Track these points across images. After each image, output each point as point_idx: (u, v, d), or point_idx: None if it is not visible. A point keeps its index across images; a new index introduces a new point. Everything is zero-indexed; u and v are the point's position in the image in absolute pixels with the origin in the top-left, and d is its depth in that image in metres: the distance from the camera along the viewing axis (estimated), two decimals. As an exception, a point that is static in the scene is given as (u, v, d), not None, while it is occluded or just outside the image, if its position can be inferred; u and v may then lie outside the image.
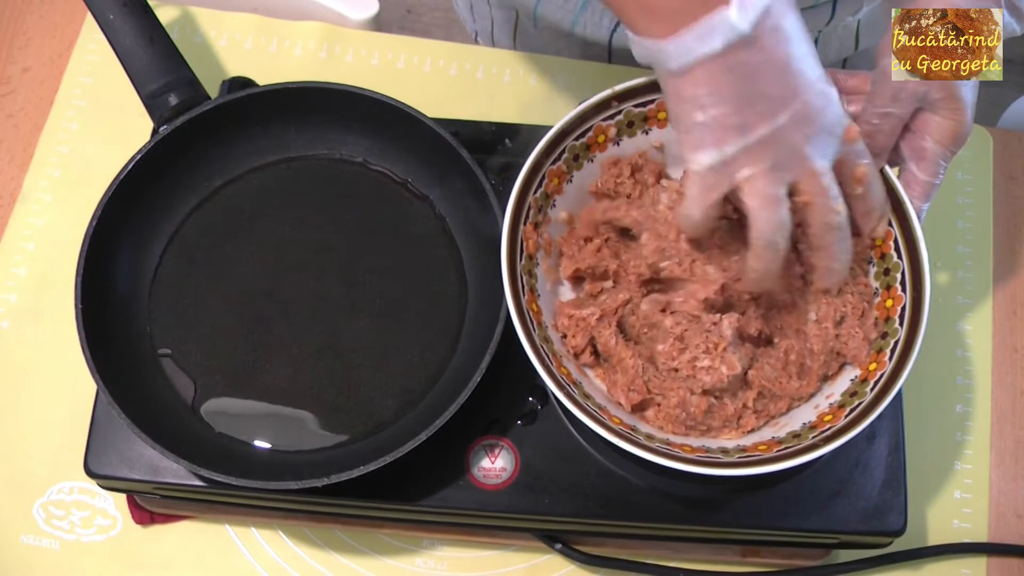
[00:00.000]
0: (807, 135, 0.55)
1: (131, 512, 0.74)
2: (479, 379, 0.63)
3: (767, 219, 0.57)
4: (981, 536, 0.75)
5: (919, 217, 0.64)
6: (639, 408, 0.65)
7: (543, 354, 0.61)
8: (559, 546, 0.71)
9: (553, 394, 0.59)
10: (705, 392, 0.63)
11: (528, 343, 0.61)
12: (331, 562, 0.74)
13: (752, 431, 0.64)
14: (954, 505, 0.75)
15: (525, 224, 0.65)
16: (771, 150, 0.55)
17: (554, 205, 0.68)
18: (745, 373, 0.64)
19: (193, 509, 0.74)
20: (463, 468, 0.66)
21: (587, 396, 0.62)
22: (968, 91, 0.61)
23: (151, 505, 0.74)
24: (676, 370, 0.63)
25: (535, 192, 0.66)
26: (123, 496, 0.74)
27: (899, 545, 0.68)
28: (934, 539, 0.74)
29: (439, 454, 0.65)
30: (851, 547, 0.68)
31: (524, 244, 0.65)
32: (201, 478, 0.65)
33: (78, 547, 0.74)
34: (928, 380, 0.78)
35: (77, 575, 0.73)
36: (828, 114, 0.56)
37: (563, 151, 0.67)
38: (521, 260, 0.64)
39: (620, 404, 0.64)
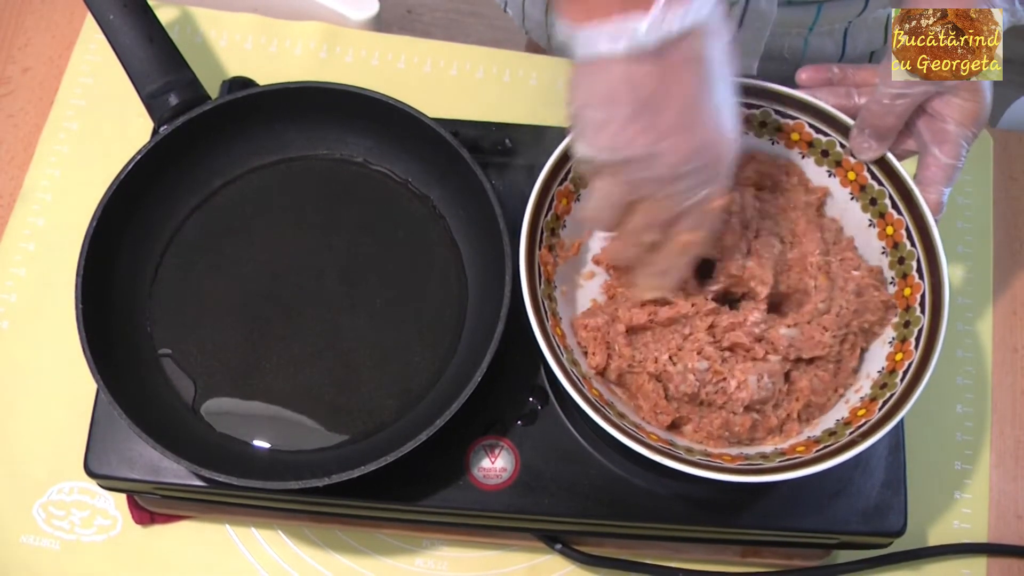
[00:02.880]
0: (676, 172, 0.54)
1: (131, 512, 0.74)
2: (479, 379, 0.63)
3: (592, 209, 0.59)
4: (981, 536, 0.75)
5: (942, 201, 0.63)
6: (673, 427, 0.64)
7: (575, 379, 0.61)
8: (559, 546, 0.71)
9: (591, 418, 0.59)
10: (747, 409, 0.62)
11: (560, 372, 0.60)
12: (331, 562, 0.74)
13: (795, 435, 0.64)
14: (954, 505, 0.75)
15: (540, 249, 0.65)
16: (635, 169, 0.54)
17: (564, 225, 0.67)
18: (787, 376, 0.63)
19: (193, 509, 0.74)
20: (463, 468, 0.66)
21: (621, 415, 0.62)
22: None
23: (151, 505, 0.74)
24: (708, 403, 0.63)
25: (546, 215, 0.65)
26: (123, 496, 0.74)
27: (899, 545, 0.68)
28: (934, 539, 0.74)
29: (439, 454, 0.65)
30: (851, 547, 0.68)
31: (542, 270, 0.65)
32: (201, 478, 0.65)
33: (78, 547, 0.74)
34: (928, 380, 0.78)
35: (77, 575, 0.73)
36: (708, 168, 0.55)
37: (569, 171, 0.66)
38: (540, 286, 0.64)
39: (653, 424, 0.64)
